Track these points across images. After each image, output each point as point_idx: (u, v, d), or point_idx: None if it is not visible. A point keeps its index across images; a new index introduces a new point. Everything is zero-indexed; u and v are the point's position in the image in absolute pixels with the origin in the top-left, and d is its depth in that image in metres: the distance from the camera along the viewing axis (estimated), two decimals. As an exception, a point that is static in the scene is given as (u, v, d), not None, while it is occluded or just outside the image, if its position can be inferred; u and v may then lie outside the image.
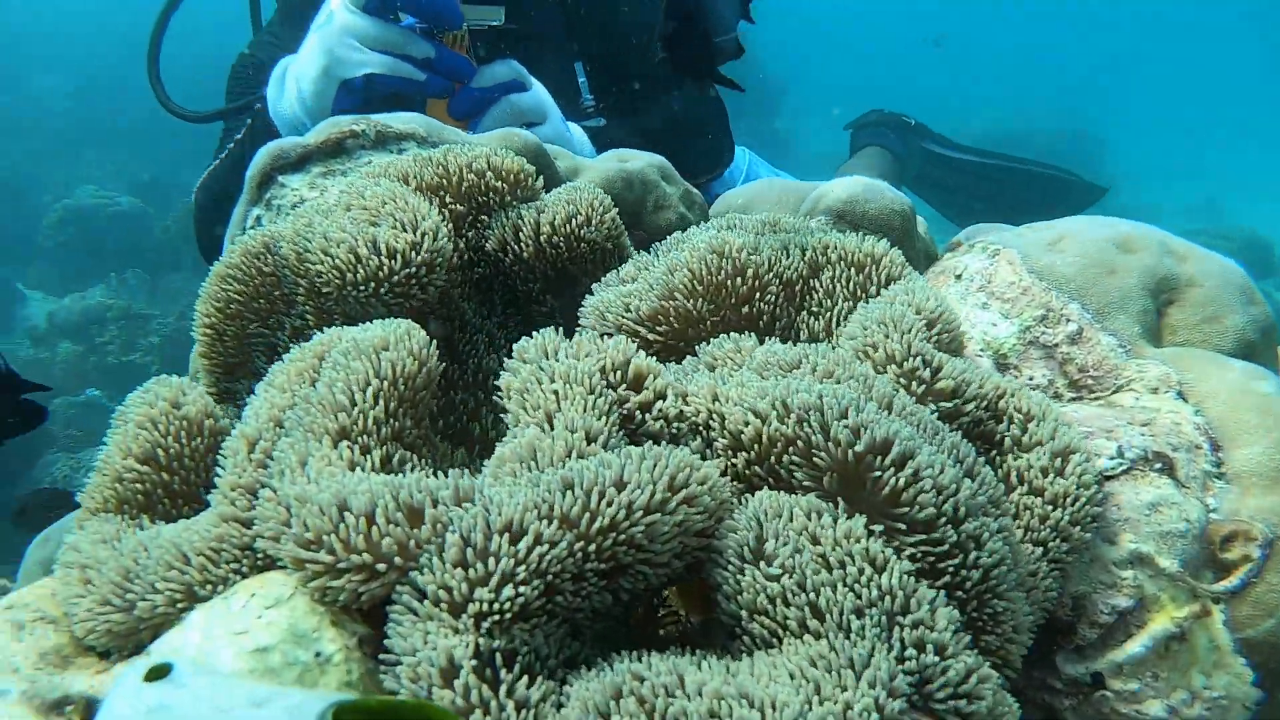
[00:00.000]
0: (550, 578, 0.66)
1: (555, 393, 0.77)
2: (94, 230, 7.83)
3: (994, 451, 0.92)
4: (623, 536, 0.67)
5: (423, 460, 0.83)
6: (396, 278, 0.95)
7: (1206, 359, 1.04)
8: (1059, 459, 0.87)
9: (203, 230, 1.96)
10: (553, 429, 0.74)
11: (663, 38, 1.41)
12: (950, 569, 0.74)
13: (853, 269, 1.06)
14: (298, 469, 0.75)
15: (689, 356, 0.97)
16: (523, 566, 0.66)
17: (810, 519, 0.73)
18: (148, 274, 7.32)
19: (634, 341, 1.05)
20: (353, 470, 0.75)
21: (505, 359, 0.84)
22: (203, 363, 1.11)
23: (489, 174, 1.09)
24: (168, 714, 0.50)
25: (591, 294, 1.10)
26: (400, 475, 0.73)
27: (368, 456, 0.77)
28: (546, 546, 0.66)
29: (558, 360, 0.81)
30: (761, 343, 1.06)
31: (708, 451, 0.83)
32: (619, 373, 0.83)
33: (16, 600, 0.85)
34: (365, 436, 0.78)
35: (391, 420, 0.80)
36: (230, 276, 1.07)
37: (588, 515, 0.66)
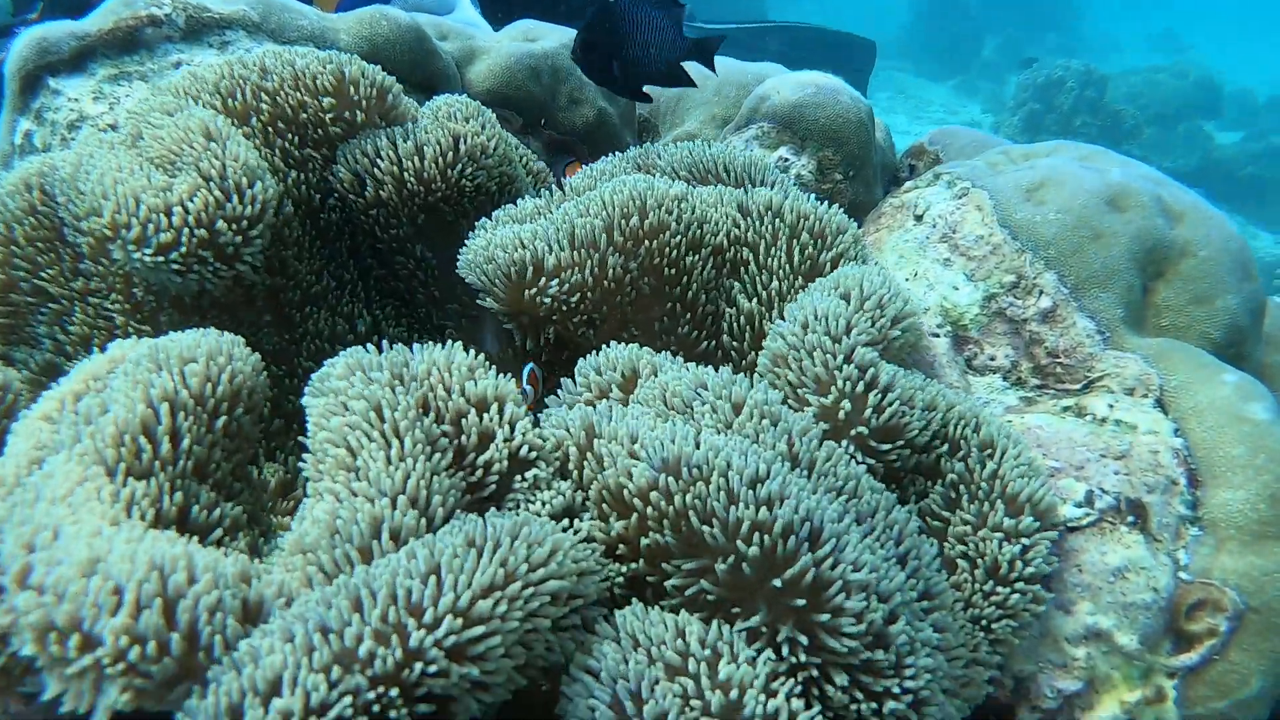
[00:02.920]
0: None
1: (367, 437, 0.58)
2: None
3: (938, 485, 0.77)
4: (437, 669, 0.51)
5: (232, 497, 0.65)
6: (191, 244, 0.73)
7: (1195, 362, 0.88)
8: (1016, 515, 0.72)
9: None
10: (356, 499, 0.56)
11: None
12: (878, 691, 0.60)
13: (800, 238, 0.86)
14: (51, 510, 0.57)
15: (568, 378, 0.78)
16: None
17: (688, 649, 0.58)
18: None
19: (529, 308, 0.86)
20: (121, 522, 0.57)
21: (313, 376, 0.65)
22: (-21, 317, 0.89)
23: (332, 92, 0.84)
24: None
25: (473, 235, 0.89)
26: (184, 537, 0.55)
27: (148, 500, 0.59)
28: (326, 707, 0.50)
29: (370, 390, 0.61)
30: (684, 323, 0.87)
31: (578, 497, 0.66)
32: (460, 399, 0.64)
33: None
34: (152, 474, 0.60)
35: (193, 452, 0.61)
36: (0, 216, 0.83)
37: (384, 650, 0.50)
